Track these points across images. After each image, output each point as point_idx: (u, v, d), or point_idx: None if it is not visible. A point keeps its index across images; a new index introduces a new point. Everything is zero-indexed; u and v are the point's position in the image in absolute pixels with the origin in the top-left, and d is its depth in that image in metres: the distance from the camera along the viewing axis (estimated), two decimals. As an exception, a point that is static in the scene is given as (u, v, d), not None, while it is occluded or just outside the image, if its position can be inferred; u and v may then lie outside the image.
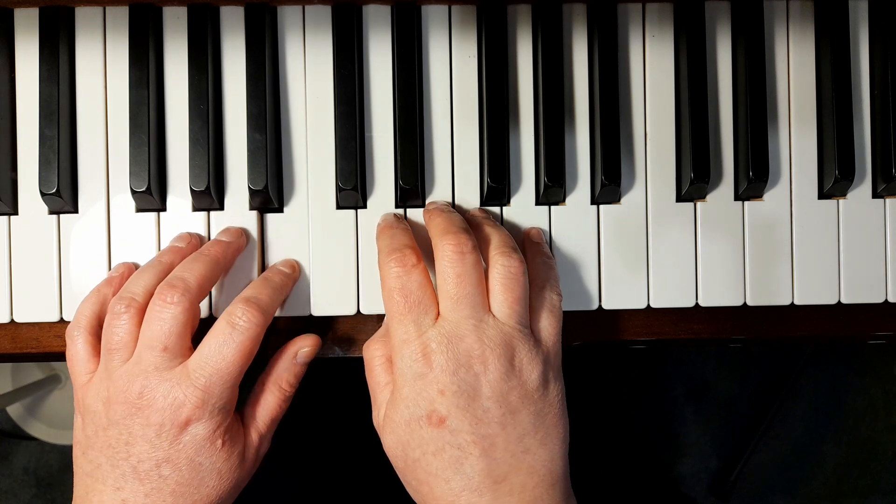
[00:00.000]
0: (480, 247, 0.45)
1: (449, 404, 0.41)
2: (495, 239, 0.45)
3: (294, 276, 0.48)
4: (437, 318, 0.42)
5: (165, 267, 0.45)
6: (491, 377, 0.41)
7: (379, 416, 0.44)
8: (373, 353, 0.45)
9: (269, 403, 0.47)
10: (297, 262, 0.48)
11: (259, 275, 0.48)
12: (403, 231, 0.45)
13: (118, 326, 0.43)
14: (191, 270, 0.44)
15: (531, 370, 0.42)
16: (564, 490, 0.43)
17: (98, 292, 0.46)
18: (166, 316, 0.42)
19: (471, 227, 0.47)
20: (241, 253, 0.48)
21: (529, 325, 0.43)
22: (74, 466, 0.45)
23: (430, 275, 0.44)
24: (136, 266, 0.48)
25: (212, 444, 0.43)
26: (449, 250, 0.42)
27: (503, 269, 0.43)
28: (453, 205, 0.49)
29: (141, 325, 0.43)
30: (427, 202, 0.49)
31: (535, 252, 0.47)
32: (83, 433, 0.44)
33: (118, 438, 0.42)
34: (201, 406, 0.42)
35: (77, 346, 0.45)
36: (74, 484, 0.45)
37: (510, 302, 0.42)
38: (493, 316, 0.42)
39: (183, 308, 0.42)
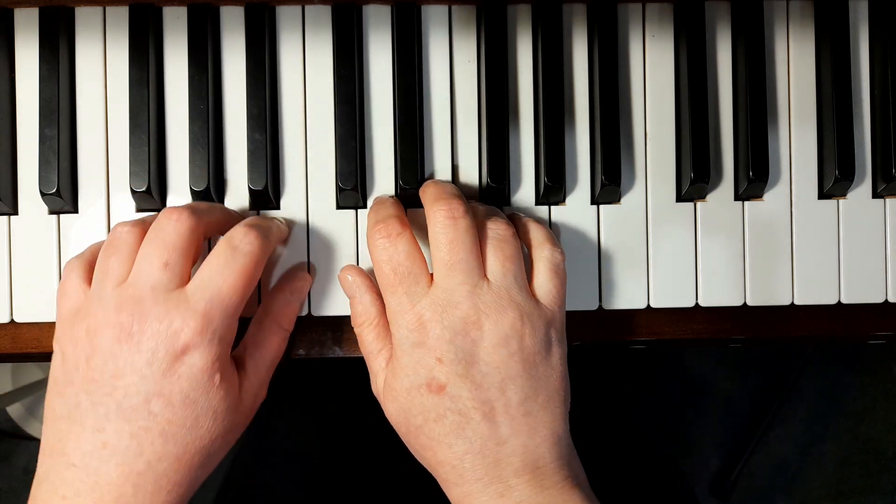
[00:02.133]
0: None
1: (448, 372, 0.41)
2: (481, 210, 0.45)
3: (284, 230, 0.46)
4: (430, 285, 0.42)
5: None
6: (488, 343, 0.41)
7: (378, 385, 0.44)
8: (360, 324, 0.45)
9: (271, 343, 0.45)
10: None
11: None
12: (392, 204, 0.45)
13: (119, 241, 0.41)
14: (201, 207, 0.43)
15: (530, 334, 0.41)
16: (567, 446, 0.43)
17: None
18: (170, 229, 0.40)
19: None
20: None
21: (528, 286, 0.43)
22: (45, 412, 0.41)
23: (423, 246, 0.44)
24: None
25: (209, 377, 0.39)
26: (441, 216, 0.42)
27: (491, 231, 0.43)
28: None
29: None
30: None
31: (522, 221, 0.47)
32: (62, 369, 0.40)
33: (103, 370, 0.38)
34: (201, 332, 0.39)
35: (72, 276, 0.42)
36: (42, 434, 0.41)
37: (502, 260, 0.42)
38: (489, 280, 0.42)
39: (189, 226, 0.40)
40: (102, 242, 0.44)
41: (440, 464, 0.42)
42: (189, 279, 0.41)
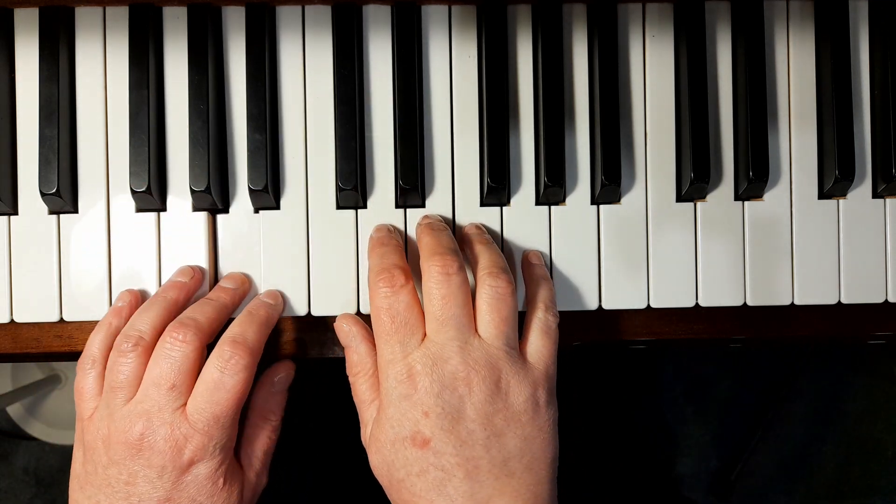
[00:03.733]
0: (470, 266, 0.46)
1: (433, 426, 0.41)
2: (484, 259, 0.44)
3: (278, 308, 0.48)
4: (423, 339, 0.42)
5: (170, 303, 0.45)
6: (475, 399, 0.41)
7: (366, 434, 0.44)
8: (356, 374, 0.45)
9: (260, 438, 0.47)
10: (279, 293, 0.48)
11: (260, 277, 0.48)
12: (394, 249, 0.45)
13: (124, 364, 0.43)
14: (202, 313, 0.44)
15: (518, 393, 0.42)
16: None
17: (108, 325, 0.46)
18: (177, 354, 0.42)
19: (463, 243, 0.47)
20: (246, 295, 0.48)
21: (519, 346, 0.43)
22: (71, 499, 0.45)
23: (419, 292, 0.44)
24: (141, 293, 0.48)
25: (213, 483, 0.43)
26: (435, 272, 0.42)
27: (490, 289, 0.43)
28: (453, 205, 0.49)
29: (146, 364, 0.43)
30: (421, 216, 0.48)
31: (532, 273, 0.47)
32: (82, 468, 0.44)
33: (118, 478, 0.42)
34: (203, 448, 0.42)
35: (88, 378, 0.45)
36: None
37: (497, 322, 0.42)
38: (480, 337, 0.42)
39: (194, 347, 0.43)
40: (100, 332, 0.45)
41: None
42: (192, 388, 0.43)
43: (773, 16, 0.50)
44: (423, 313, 0.43)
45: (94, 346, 0.45)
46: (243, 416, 0.47)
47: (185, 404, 0.43)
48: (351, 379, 0.46)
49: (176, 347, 0.42)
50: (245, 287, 0.48)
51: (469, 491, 0.40)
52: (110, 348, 0.45)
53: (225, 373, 0.42)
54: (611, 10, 0.49)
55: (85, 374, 0.45)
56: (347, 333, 0.46)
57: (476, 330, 0.42)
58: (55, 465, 1.14)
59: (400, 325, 0.42)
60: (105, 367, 0.45)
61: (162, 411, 0.42)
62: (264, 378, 0.48)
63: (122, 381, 0.43)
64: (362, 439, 0.45)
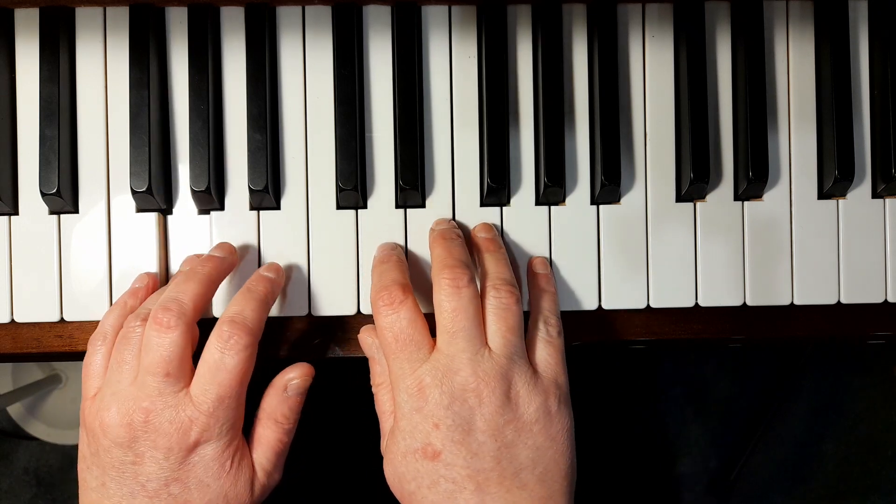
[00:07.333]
0: (478, 273, 0.46)
1: (444, 438, 0.41)
2: (490, 269, 0.45)
3: (279, 281, 0.47)
4: (431, 350, 0.42)
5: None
6: (486, 411, 0.41)
7: (383, 445, 0.45)
8: (378, 384, 0.46)
9: (268, 438, 0.46)
10: (279, 265, 0.48)
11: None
12: (395, 265, 0.45)
13: (133, 335, 0.43)
14: (185, 291, 0.43)
15: (528, 403, 0.41)
16: None
17: (123, 304, 0.46)
18: (165, 342, 0.42)
19: (472, 246, 0.47)
20: (236, 265, 0.48)
21: (527, 356, 0.43)
22: (80, 479, 0.44)
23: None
24: (158, 277, 0.48)
25: (220, 465, 0.43)
26: (445, 284, 0.42)
27: (495, 300, 0.43)
28: (453, 205, 0.49)
29: None
30: (434, 222, 0.48)
31: (535, 282, 0.47)
32: (88, 449, 0.44)
33: (123, 459, 0.42)
34: (209, 429, 0.42)
35: (97, 356, 0.45)
36: (80, 495, 0.44)
37: (503, 332, 0.42)
38: (489, 349, 0.42)
39: (180, 332, 0.42)
40: (114, 311, 0.46)
41: None
42: (192, 370, 0.43)
43: (773, 16, 0.50)
44: (426, 326, 0.43)
45: (107, 323, 0.45)
46: (254, 412, 0.46)
47: (187, 385, 0.42)
48: (374, 390, 0.46)
49: (163, 335, 0.42)
50: (233, 259, 0.47)
51: (480, 503, 0.40)
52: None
53: (225, 353, 0.42)
54: (611, 11, 0.49)
55: (95, 351, 0.45)
56: (371, 346, 0.46)
57: (486, 341, 0.42)
58: (56, 465, 1.14)
59: (405, 343, 0.42)
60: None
61: (164, 395, 0.42)
62: (276, 382, 0.46)
63: (128, 359, 0.43)
64: (381, 450, 0.45)
